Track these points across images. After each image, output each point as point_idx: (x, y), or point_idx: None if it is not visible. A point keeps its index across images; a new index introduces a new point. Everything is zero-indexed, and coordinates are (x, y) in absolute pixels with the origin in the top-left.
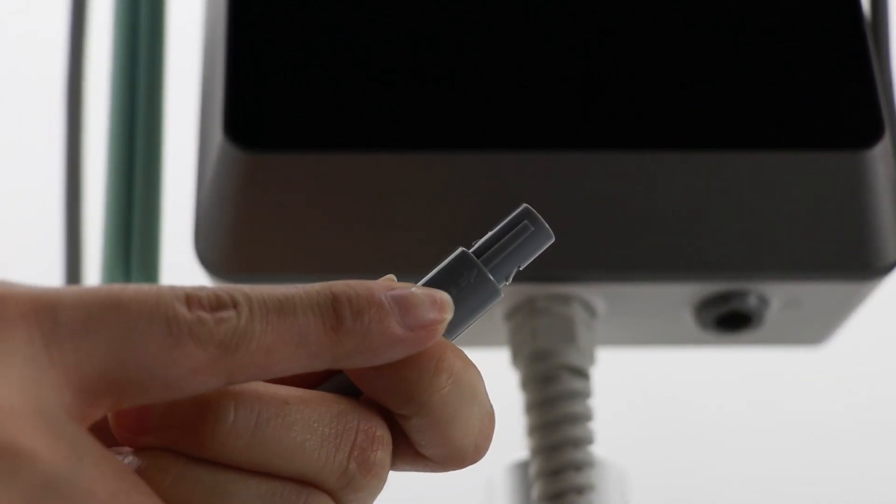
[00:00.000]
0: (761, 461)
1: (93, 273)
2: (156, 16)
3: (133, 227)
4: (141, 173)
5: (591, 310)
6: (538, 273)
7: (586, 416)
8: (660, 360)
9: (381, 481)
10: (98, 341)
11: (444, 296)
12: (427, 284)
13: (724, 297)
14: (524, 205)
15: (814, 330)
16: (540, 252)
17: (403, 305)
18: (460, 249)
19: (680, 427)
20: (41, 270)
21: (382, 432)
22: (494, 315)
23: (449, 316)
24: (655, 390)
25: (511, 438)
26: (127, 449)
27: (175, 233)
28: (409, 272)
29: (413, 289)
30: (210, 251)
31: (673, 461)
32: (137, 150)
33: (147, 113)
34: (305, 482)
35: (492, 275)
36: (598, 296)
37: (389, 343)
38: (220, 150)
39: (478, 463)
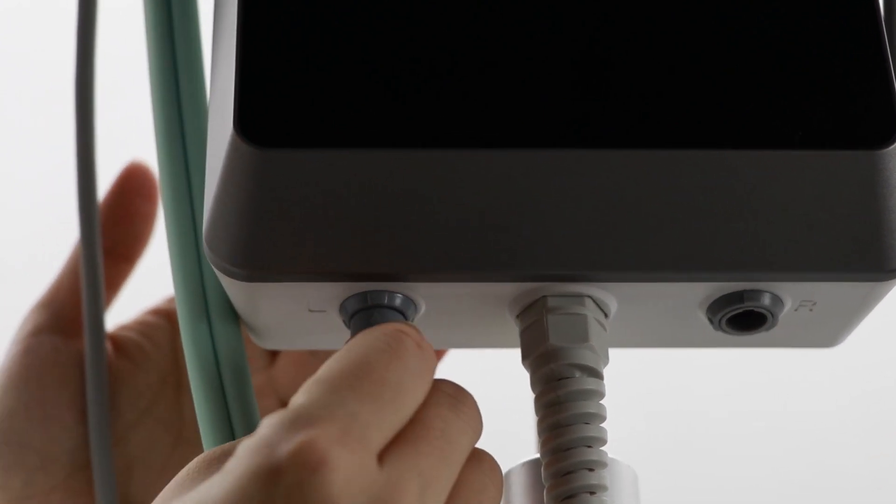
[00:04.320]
0: (769, 465)
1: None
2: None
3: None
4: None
5: (603, 308)
6: (550, 272)
7: (599, 416)
8: (669, 362)
9: None
10: None
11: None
12: None
13: (738, 297)
14: None
15: (827, 331)
16: None
17: None
18: None
19: (689, 429)
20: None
21: None
22: (505, 314)
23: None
24: (665, 392)
25: (524, 438)
26: None
27: None
28: (424, 270)
29: None
30: (221, 248)
31: (682, 463)
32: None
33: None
34: None
35: None
36: (611, 294)
37: None
38: (231, 145)
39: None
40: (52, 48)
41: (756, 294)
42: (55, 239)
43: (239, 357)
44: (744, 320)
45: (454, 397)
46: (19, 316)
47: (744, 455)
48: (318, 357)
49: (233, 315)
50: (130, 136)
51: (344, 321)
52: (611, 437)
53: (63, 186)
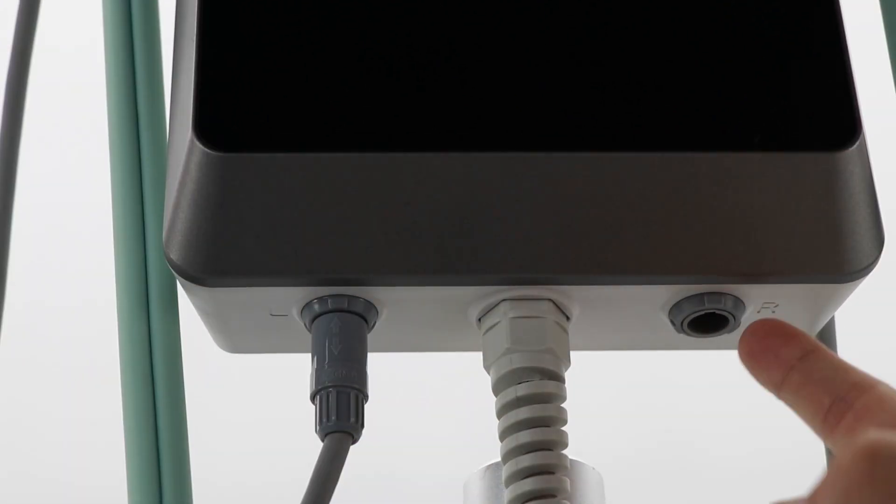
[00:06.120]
0: (753, 459)
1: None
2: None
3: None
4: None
5: (564, 312)
6: (510, 275)
7: (560, 419)
8: (638, 362)
9: None
10: None
11: None
12: None
13: (699, 299)
14: None
15: None
16: None
17: None
18: None
19: (663, 428)
20: None
21: None
22: (467, 318)
23: None
24: (634, 392)
25: (486, 443)
26: None
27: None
28: (384, 274)
29: None
30: (180, 253)
31: (656, 464)
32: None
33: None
34: None
35: None
36: (572, 298)
37: None
38: (189, 150)
39: (453, 466)
40: (45, 43)
41: (717, 297)
42: (54, 240)
43: (174, 356)
44: (706, 323)
45: None
46: (19, 315)
47: (729, 455)
48: None
49: (174, 316)
50: (84, 131)
51: (305, 325)
52: (575, 431)
53: (61, 188)
